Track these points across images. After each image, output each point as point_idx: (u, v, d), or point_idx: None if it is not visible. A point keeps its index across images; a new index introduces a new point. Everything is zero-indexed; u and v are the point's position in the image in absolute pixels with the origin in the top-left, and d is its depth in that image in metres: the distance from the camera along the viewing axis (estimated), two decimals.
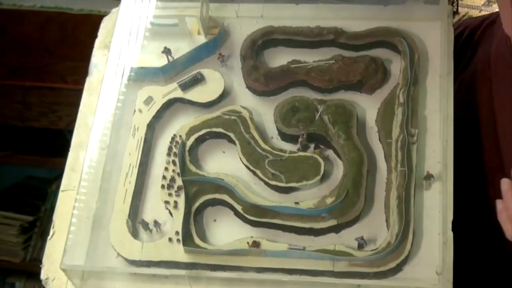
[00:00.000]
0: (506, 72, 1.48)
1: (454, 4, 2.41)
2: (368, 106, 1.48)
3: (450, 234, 1.30)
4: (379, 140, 1.44)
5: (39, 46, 2.44)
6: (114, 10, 1.64)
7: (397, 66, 1.50)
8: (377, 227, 1.35)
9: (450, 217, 1.32)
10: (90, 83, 1.56)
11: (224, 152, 1.47)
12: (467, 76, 1.58)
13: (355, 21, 1.55)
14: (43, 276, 1.39)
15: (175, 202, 1.40)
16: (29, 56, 2.46)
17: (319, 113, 1.45)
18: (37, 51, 2.43)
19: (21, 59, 2.48)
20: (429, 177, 1.36)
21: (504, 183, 1.22)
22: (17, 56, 2.49)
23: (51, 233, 1.42)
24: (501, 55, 1.49)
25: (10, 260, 2.94)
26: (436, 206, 1.34)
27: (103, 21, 1.63)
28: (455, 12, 2.40)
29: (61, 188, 1.46)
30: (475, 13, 2.47)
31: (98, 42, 1.61)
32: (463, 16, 2.42)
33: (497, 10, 1.46)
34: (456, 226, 1.42)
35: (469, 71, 1.58)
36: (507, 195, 1.21)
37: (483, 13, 2.46)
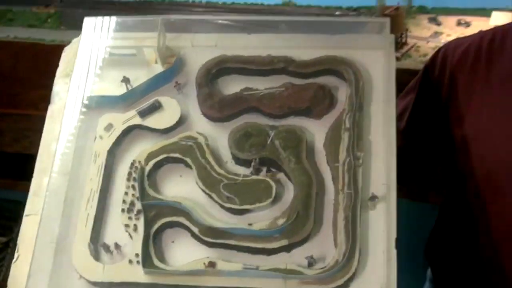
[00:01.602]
0: None
1: (403, 35, 2.45)
2: (316, 131, 1.50)
3: (394, 252, 1.33)
4: (327, 163, 1.45)
5: (12, 75, 2.45)
6: (75, 40, 1.64)
7: (343, 93, 1.52)
8: (325, 246, 1.37)
9: (393, 235, 1.35)
10: (52, 111, 1.56)
11: (181, 176, 1.49)
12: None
13: (304, 50, 1.57)
14: None
15: (135, 225, 1.41)
16: (3, 84, 2.46)
17: (270, 138, 1.47)
18: (11, 80, 2.44)
19: None
20: (373, 198, 1.39)
21: None
22: None
23: (15, 256, 1.42)
24: None
25: None
26: (381, 225, 1.37)
27: (64, 50, 1.64)
28: (404, 43, 2.44)
29: (25, 213, 1.46)
30: (422, 44, 2.49)
31: (59, 71, 1.61)
32: (411, 47, 2.44)
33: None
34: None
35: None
36: None
37: (430, 44, 2.48)
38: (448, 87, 1.62)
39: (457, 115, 1.59)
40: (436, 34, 2.60)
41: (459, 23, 2.64)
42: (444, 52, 1.65)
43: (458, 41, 1.70)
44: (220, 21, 1.64)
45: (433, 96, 1.64)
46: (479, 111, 1.55)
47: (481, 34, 1.65)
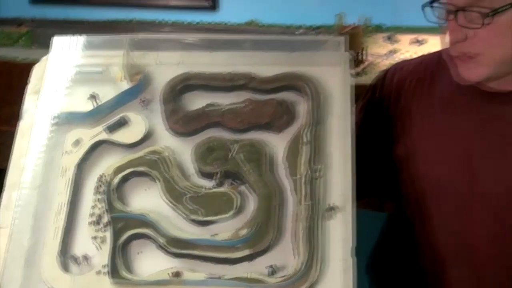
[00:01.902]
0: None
1: (361, 52, 2.46)
2: (277, 144, 1.50)
3: (350, 260, 1.34)
4: (287, 175, 1.45)
5: None
6: (44, 58, 1.62)
7: (302, 108, 1.52)
8: (286, 256, 1.37)
9: (351, 244, 1.35)
10: (22, 127, 1.54)
11: (147, 189, 1.48)
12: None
13: (264, 66, 1.57)
14: None
15: (103, 237, 1.40)
16: None
17: (232, 152, 1.47)
18: None
19: None
20: (332, 208, 1.39)
21: None
22: None
23: None
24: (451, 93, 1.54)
25: None
26: (339, 235, 1.37)
27: (33, 68, 1.62)
28: (361, 61, 2.45)
29: None
30: (379, 61, 2.52)
31: (29, 88, 1.59)
32: (369, 64, 2.46)
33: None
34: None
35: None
36: None
37: (386, 61, 2.50)
38: (391, 108, 1.65)
39: (398, 135, 1.62)
40: (392, 51, 2.62)
41: (414, 41, 2.66)
42: (389, 74, 1.68)
43: (403, 63, 1.73)
44: (184, 40, 1.63)
45: (377, 116, 1.65)
46: (419, 132, 1.57)
47: (426, 57, 1.68)
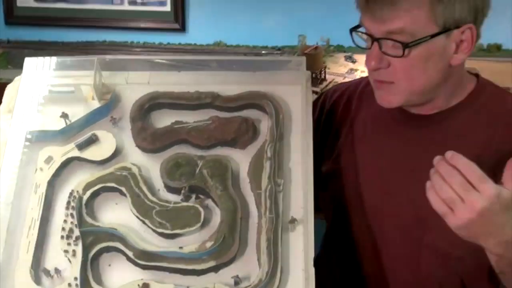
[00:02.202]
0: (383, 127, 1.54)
1: (322, 71, 2.47)
2: (241, 160, 1.50)
3: (312, 270, 1.34)
4: (251, 190, 1.46)
5: None
6: (17, 78, 1.61)
7: (265, 125, 1.53)
8: (250, 266, 1.38)
9: (311, 254, 1.36)
10: None
11: (117, 204, 1.47)
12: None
13: (229, 86, 1.57)
14: None
15: (74, 250, 1.39)
16: None
17: (199, 167, 1.47)
18: None
19: None
20: (293, 221, 1.40)
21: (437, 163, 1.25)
22: None
23: None
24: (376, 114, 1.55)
25: None
26: (300, 245, 1.38)
27: (7, 88, 1.61)
28: (323, 79, 2.46)
29: None
30: (340, 79, 2.53)
31: (2, 107, 1.58)
32: (330, 82, 2.48)
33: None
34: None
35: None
36: (433, 175, 1.25)
37: (347, 79, 2.51)
38: (324, 127, 1.66)
39: (328, 151, 1.63)
40: (352, 70, 2.64)
41: None
42: (323, 97, 1.69)
43: (337, 86, 1.77)
44: (153, 60, 1.63)
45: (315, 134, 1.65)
46: (346, 150, 1.59)
47: (359, 80, 1.71)
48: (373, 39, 1.36)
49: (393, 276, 1.54)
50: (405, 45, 1.31)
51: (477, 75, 1.52)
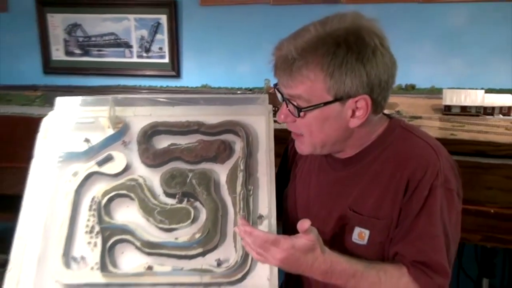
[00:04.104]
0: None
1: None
2: (220, 172, 1.50)
3: None
4: (229, 194, 1.46)
5: (10, 140, 2.42)
6: (51, 113, 1.60)
7: (239, 145, 1.52)
8: (229, 252, 1.38)
9: None
10: (34, 163, 1.51)
11: (127, 206, 1.46)
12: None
13: (211, 116, 1.57)
14: None
15: (95, 242, 1.39)
16: (3, 146, 2.43)
17: (189, 178, 1.47)
18: (9, 143, 2.41)
19: None
20: (260, 217, 1.41)
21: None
22: None
23: (8, 268, 1.37)
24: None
25: None
26: None
27: (43, 120, 1.59)
28: None
29: (15, 236, 1.41)
30: None
31: (39, 135, 1.56)
32: None
33: None
34: None
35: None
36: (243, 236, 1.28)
37: None
38: (288, 165, 1.62)
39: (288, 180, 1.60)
40: None
41: None
42: (287, 143, 1.64)
43: None
44: (154, 98, 1.63)
45: (282, 169, 1.64)
46: (293, 179, 1.56)
47: None
48: (283, 98, 1.31)
49: None
50: (300, 109, 1.27)
51: (390, 117, 1.43)
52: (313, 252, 1.22)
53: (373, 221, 1.33)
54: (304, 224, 1.20)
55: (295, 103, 1.27)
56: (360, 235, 1.34)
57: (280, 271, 1.33)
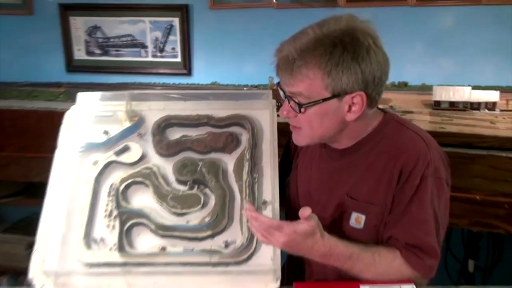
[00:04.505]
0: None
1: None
2: (228, 161, 1.49)
3: None
4: (236, 181, 1.46)
5: (37, 132, 2.42)
6: (73, 107, 1.60)
7: (245, 137, 1.52)
8: (235, 234, 1.38)
9: None
10: (57, 153, 1.51)
11: (143, 193, 1.46)
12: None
13: (220, 110, 1.57)
14: (30, 275, 1.35)
15: (113, 225, 1.40)
16: (31, 138, 2.43)
17: (199, 166, 1.47)
18: (36, 135, 2.41)
19: (26, 140, 2.46)
20: (264, 202, 1.40)
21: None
22: (22, 138, 2.47)
23: (35, 248, 1.37)
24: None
25: (20, 266, 2.77)
26: None
27: (66, 114, 1.59)
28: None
29: (41, 219, 1.42)
30: None
31: (62, 127, 1.56)
32: None
33: None
34: None
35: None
36: (251, 225, 1.28)
37: None
38: (290, 155, 1.62)
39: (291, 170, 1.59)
40: None
41: None
42: (289, 136, 1.61)
43: None
44: (167, 94, 1.63)
45: (285, 158, 1.64)
46: (295, 168, 1.55)
47: None
48: (285, 95, 1.32)
49: None
50: (300, 106, 1.27)
51: (385, 112, 1.43)
52: (313, 237, 1.24)
53: (369, 207, 1.34)
54: (305, 211, 1.21)
55: (296, 100, 1.28)
56: (357, 220, 1.35)
57: (282, 252, 1.33)
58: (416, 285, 1.27)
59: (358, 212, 1.35)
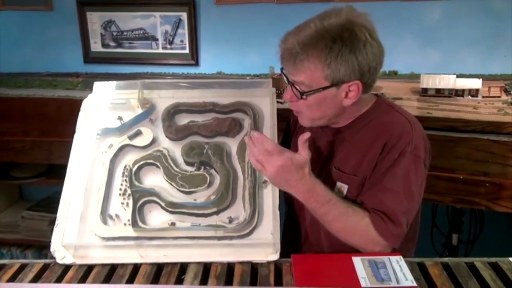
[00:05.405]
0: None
1: (283, 89, 2.39)
2: (232, 144, 1.49)
3: (277, 212, 1.35)
4: (239, 163, 1.46)
5: (57, 118, 2.42)
6: (90, 95, 1.60)
7: (247, 122, 1.52)
8: (238, 211, 1.38)
9: (276, 202, 1.37)
10: (76, 137, 1.52)
11: (154, 173, 1.46)
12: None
13: (224, 98, 1.56)
14: (52, 249, 1.36)
15: (127, 203, 1.40)
16: (52, 124, 2.44)
17: (206, 149, 1.47)
18: (57, 121, 2.42)
19: (47, 125, 2.47)
20: (265, 181, 1.40)
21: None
22: (44, 124, 2.48)
23: (56, 224, 1.38)
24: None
25: (44, 240, 2.79)
26: (270, 197, 1.38)
27: (84, 101, 1.59)
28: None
29: (61, 197, 1.42)
30: None
31: (80, 114, 1.57)
32: None
33: None
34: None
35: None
36: (249, 147, 1.31)
37: None
38: (290, 135, 1.63)
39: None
40: None
41: None
42: (290, 117, 1.65)
43: None
44: (176, 83, 1.62)
45: (286, 138, 1.65)
46: (293, 146, 1.53)
47: None
48: (288, 81, 1.33)
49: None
50: (302, 93, 1.30)
51: (377, 96, 1.45)
52: (303, 170, 1.27)
53: (352, 178, 1.36)
54: (305, 135, 1.27)
55: (298, 88, 1.30)
56: (340, 189, 1.39)
57: (280, 226, 1.34)
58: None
59: (342, 182, 1.38)
